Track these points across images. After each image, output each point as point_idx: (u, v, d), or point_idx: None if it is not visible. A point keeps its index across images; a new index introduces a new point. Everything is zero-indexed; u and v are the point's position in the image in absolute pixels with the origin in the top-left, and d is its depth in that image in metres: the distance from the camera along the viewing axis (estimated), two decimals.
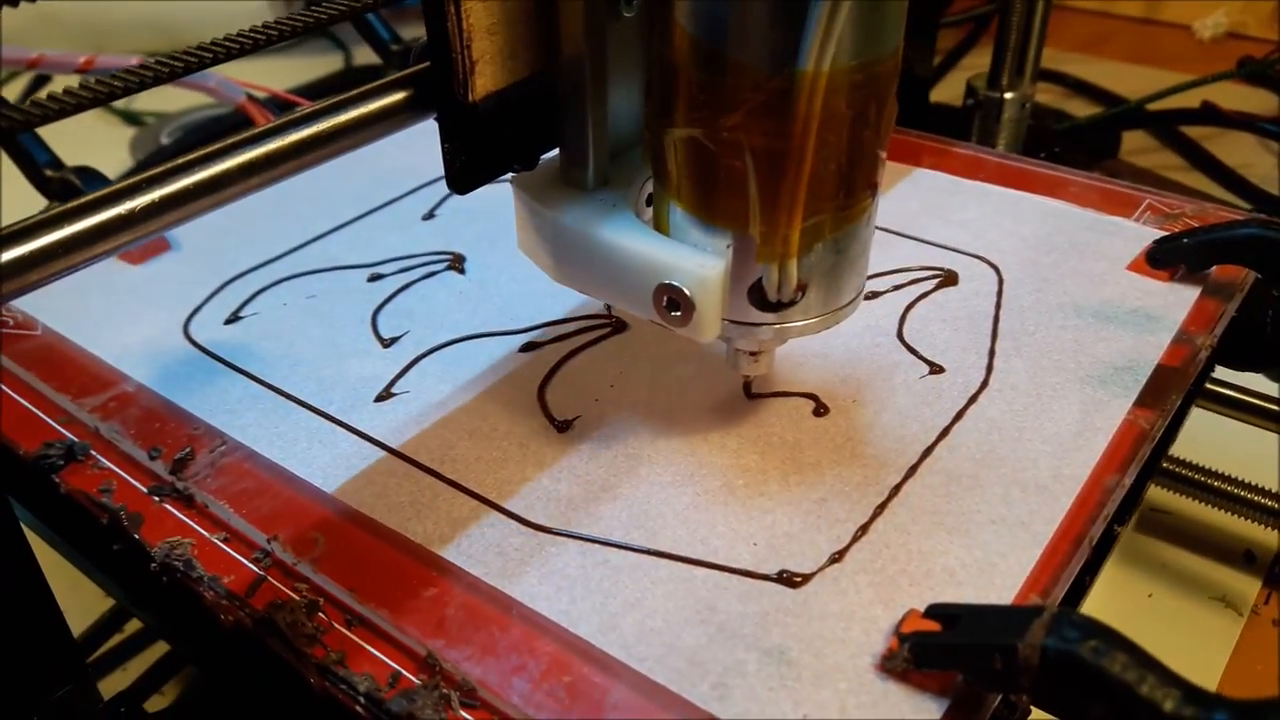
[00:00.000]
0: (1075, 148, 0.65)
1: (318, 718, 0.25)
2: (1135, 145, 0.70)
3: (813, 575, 0.26)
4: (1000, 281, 0.37)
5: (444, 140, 0.26)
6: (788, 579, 0.26)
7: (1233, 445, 0.41)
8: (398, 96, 0.26)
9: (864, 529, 0.27)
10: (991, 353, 0.33)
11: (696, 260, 0.25)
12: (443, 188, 0.44)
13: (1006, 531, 0.27)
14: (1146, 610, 0.39)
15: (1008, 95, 0.52)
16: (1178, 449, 0.39)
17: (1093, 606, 0.37)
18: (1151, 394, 0.32)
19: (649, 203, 0.28)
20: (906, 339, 0.34)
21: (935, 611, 0.24)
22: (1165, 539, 0.42)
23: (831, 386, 0.32)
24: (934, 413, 0.31)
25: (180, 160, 0.23)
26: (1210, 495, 0.39)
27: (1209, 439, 0.41)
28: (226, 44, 0.25)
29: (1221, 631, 0.38)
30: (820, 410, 0.31)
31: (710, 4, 0.23)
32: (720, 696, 0.23)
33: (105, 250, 0.23)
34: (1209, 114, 0.66)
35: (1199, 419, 0.39)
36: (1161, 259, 0.37)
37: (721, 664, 0.24)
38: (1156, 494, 0.41)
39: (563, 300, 0.36)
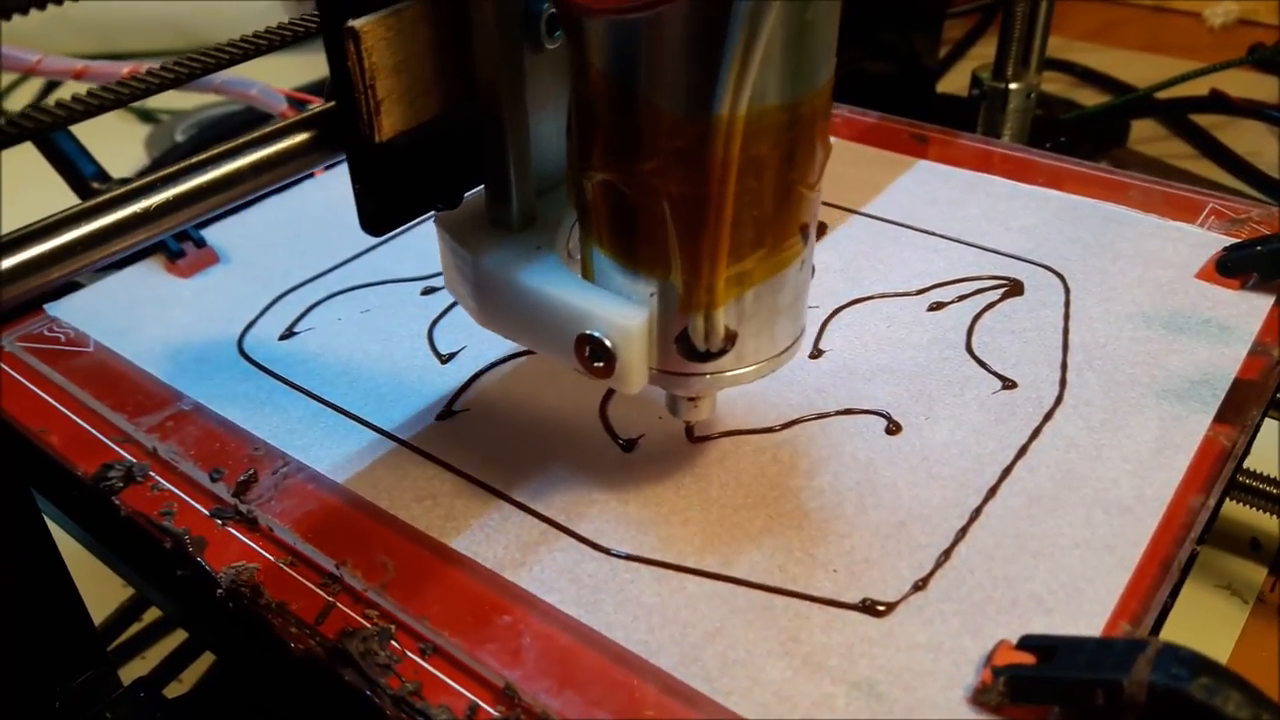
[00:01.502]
0: (1082, 137, 0.64)
1: None
2: (1144, 134, 0.69)
3: (897, 604, 0.25)
4: (1066, 290, 0.36)
5: (353, 181, 0.25)
6: (871, 608, 0.25)
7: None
8: (302, 138, 0.25)
9: (946, 554, 0.26)
10: (1064, 366, 0.33)
11: (618, 310, 0.24)
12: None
13: (1092, 555, 0.26)
14: None
15: (1013, 85, 0.52)
16: None
17: None
18: (1231, 409, 0.31)
19: (579, 245, 0.27)
20: (976, 352, 0.33)
21: (1029, 643, 0.23)
22: None
23: (902, 403, 0.31)
24: (1009, 430, 0.30)
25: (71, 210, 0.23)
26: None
27: None
28: (244, 44, 0.25)
29: (1227, 619, 0.38)
30: (892, 428, 0.30)
31: (622, 44, 0.21)
32: None
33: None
34: (1217, 102, 0.65)
35: None
36: (1233, 267, 0.36)
37: (809, 698, 0.23)
38: None
39: None
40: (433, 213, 0.27)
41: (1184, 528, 0.27)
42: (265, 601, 0.26)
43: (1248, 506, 0.39)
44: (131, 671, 0.39)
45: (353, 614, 0.26)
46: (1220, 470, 0.29)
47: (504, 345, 0.35)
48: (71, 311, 0.38)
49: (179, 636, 0.41)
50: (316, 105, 0.25)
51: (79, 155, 0.41)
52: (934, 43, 0.66)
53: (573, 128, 0.24)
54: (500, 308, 0.27)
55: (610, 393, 0.33)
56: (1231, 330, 0.34)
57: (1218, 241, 0.38)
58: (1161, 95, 0.65)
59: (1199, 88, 0.65)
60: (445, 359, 0.34)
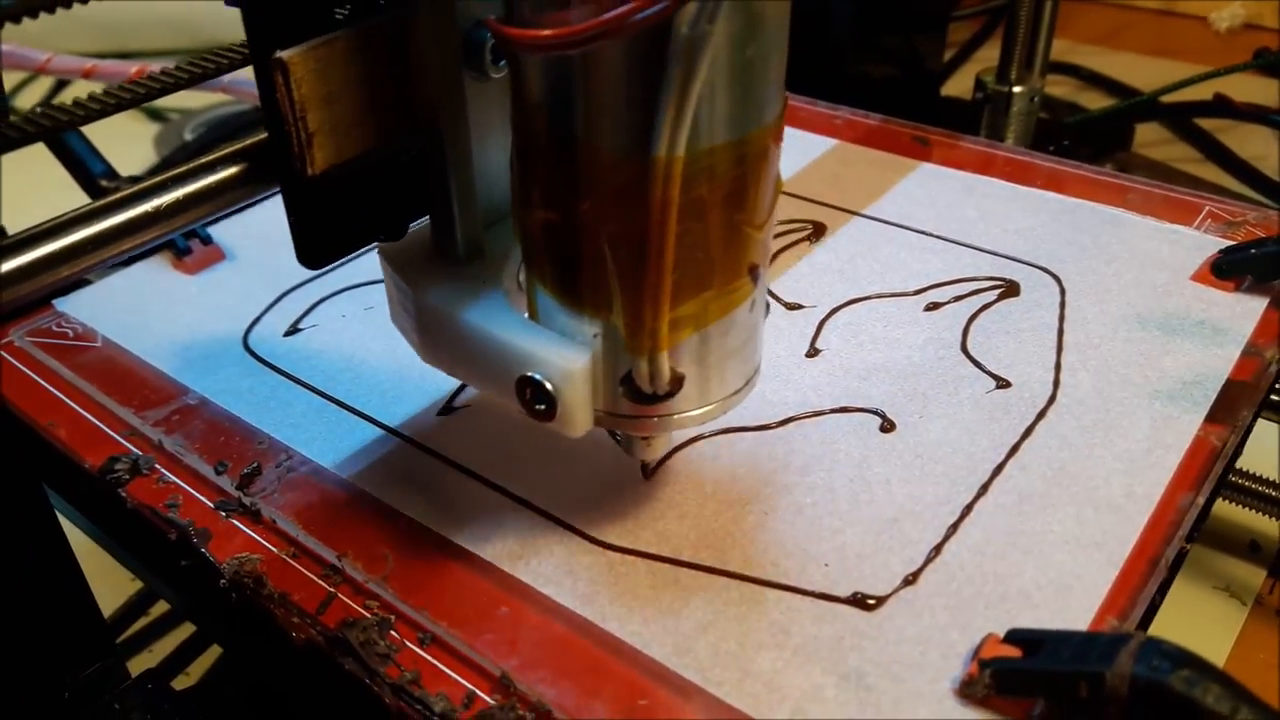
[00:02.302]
0: (1086, 140, 0.64)
1: None
2: (1148, 138, 0.69)
3: (887, 598, 0.26)
4: (1062, 292, 0.37)
5: (288, 214, 0.24)
6: (861, 601, 0.26)
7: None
8: (231, 172, 0.24)
9: (937, 550, 0.27)
10: (1058, 366, 0.33)
11: (560, 351, 0.23)
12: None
13: (1081, 552, 0.27)
14: None
15: (1016, 89, 0.52)
16: None
17: None
18: (1222, 409, 0.31)
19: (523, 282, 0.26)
20: (971, 352, 0.34)
21: (1016, 636, 0.24)
22: None
23: (897, 401, 0.32)
24: (1002, 428, 0.31)
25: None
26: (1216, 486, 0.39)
27: None
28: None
29: (1225, 620, 0.39)
30: (887, 426, 0.31)
31: (557, 80, 0.21)
32: None
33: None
34: (1221, 106, 0.65)
35: None
36: (1228, 269, 0.37)
37: (799, 689, 0.23)
38: None
39: None
40: (376, 244, 0.27)
41: (1173, 525, 0.28)
42: (268, 592, 0.27)
43: (1246, 509, 0.39)
44: (139, 664, 0.39)
45: (353, 605, 0.27)
46: (1210, 469, 0.29)
47: None
48: (79, 307, 0.38)
49: (186, 630, 0.41)
50: (250, 140, 0.25)
51: (88, 154, 0.41)
52: (938, 46, 0.67)
53: (514, 163, 0.23)
54: (442, 344, 0.26)
55: None
56: (1225, 332, 0.34)
57: (1214, 244, 0.39)
58: (1166, 99, 0.65)
59: (1204, 92, 0.65)
60: None
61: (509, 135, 0.23)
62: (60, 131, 0.24)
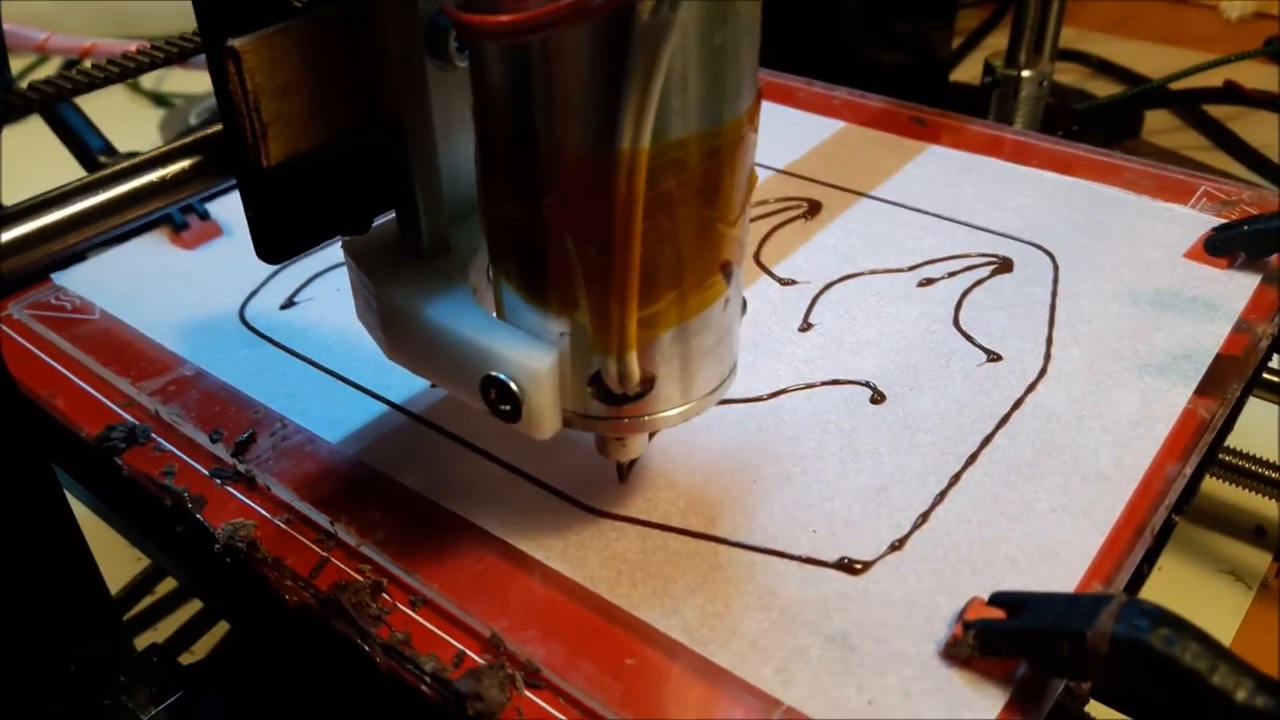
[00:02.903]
0: (1095, 127, 0.64)
1: (382, 695, 0.25)
2: (1158, 125, 0.69)
3: (873, 563, 0.26)
4: (1055, 268, 0.37)
5: (245, 207, 0.23)
6: (848, 566, 0.26)
7: (1246, 421, 0.41)
8: (183, 165, 0.24)
9: (924, 517, 0.27)
10: (1049, 340, 0.33)
11: (525, 351, 0.23)
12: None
13: (1068, 520, 0.27)
14: (1156, 582, 0.39)
15: (1025, 73, 0.52)
16: None
17: None
18: (1211, 383, 0.31)
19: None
20: (963, 326, 0.34)
21: (1000, 599, 0.24)
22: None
23: (888, 374, 0.32)
24: (992, 400, 0.31)
25: None
26: (1222, 470, 0.39)
27: None
28: None
29: (1231, 603, 0.39)
30: (877, 398, 0.31)
31: (517, 70, 0.20)
32: (784, 681, 0.23)
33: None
34: (1231, 93, 0.65)
35: None
36: (1220, 246, 0.37)
37: (784, 649, 0.24)
38: None
39: None
40: (340, 239, 0.26)
41: (1160, 495, 0.28)
42: (261, 556, 0.27)
43: (1252, 493, 0.39)
44: (145, 643, 0.39)
45: (346, 569, 0.27)
46: (1198, 441, 0.30)
47: None
48: (77, 281, 0.38)
49: (191, 610, 0.42)
50: (206, 130, 0.24)
51: (86, 129, 0.42)
52: (947, 32, 0.67)
53: (478, 159, 0.23)
54: (407, 342, 0.25)
55: None
56: (1217, 308, 0.35)
57: (1208, 223, 0.39)
58: (1175, 86, 0.65)
59: (1213, 79, 0.65)
60: None
61: (468, 124, 0.23)
62: (55, 102, 0.25)
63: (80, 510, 0.27)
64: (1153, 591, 0.38)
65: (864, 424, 0.30)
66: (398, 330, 0.25)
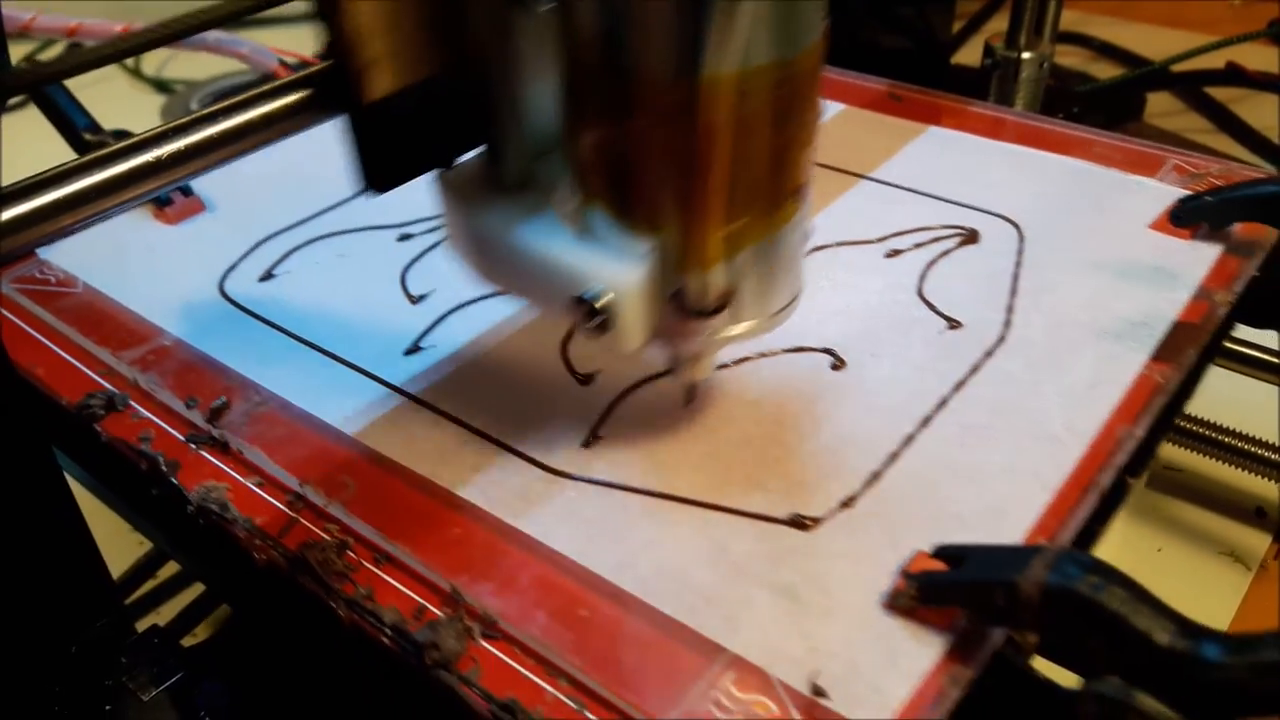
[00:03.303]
0: (1097, 109, 0.64)
1: (347, 649, 0.26)
2: (1160, 108, 0.69)
3: (823, 519, 0.26)
4: (1021, 239, 0.37)
5: (350, 140, 0.25)
6: (799, 522, 0.26)
7: (1246, 402, 0.41)
8: (297, 96, 0.25)
9: (876, 476, 0.28)
10: (1010, 308, 0.34)
11: (616, 267, 0.24)
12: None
13: (1017, 480, 0.27)
14: (1156, 563, 0.40)
15: (1025, 55, 0.52)
16: (1191, 405, 0.39)
17: (1103, 558, 0.38)
18: (1168, 349, 0.32)
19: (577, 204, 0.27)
20: (926, 295, 0.35)
21: (942, 552, 0.25)
22: (1177, 495, 0.43)
23: (850, 341, 0.33)
24: (950, 366, 0.31)
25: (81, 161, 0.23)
26: (1222, 452, 0.40)
27: (1222, 396, 0.41)
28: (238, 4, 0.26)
29: (1230, 584, 0.39)
30: (837, 364, 0.32)
31: (609, 3, 0.22)
32: (730, 629, 0.24)
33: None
34: (1233, 75, 0.65)
35: (1213, 375, 0.39)
36: (1184, 217, 0.37)
37: (732, 599, 0.24)
38: (1169, 451, 0.42)
39: None
40: (435, 171, 0.28)
41: (1109, 456, 0.28)
42: (232, 517, 0.28)
43: (1253, 474, 0.39)
44: (146, 626, 0.40)
45: (314, 528, 0.28)
46: (1150, 404, 0.30)
47: (474, 287, 0.36)
48: (61, 255, 0.39)
49: (193, 593, 0.42)
50: (314, 64, 0.26)
51: (71, 107, 0.42)
52: (948, 15, 0.67)
53: (566, 88, 0.24)
54: (500, 266, 0.27)
55: (573, 331, 0.34)
56: (1178, 277, 0.35)
57: (1175, 195, 0.39)
58: (1177, 68, 0.65)
59: (1216, 61, 0.65)
60: (416, 300, 0.36)
61: (553, 68, 0.25)
62: (46, 83, 0.25)
63: (80, 493, 0.28)
64: (1152, 573, 0.38)
65: (823, 389, 0.31)
66: (491, 255, 0.27)
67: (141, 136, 0.24)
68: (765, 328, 0.26)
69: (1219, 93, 0.68)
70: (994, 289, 0.35)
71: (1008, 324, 0.33)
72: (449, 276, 0.37)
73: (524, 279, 0.27)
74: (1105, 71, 0.75)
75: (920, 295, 0.35)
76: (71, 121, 0.43)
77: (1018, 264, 0.36)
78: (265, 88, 0.25)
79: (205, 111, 0.24)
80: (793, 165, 0.24)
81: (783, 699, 0.22)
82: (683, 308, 0.25)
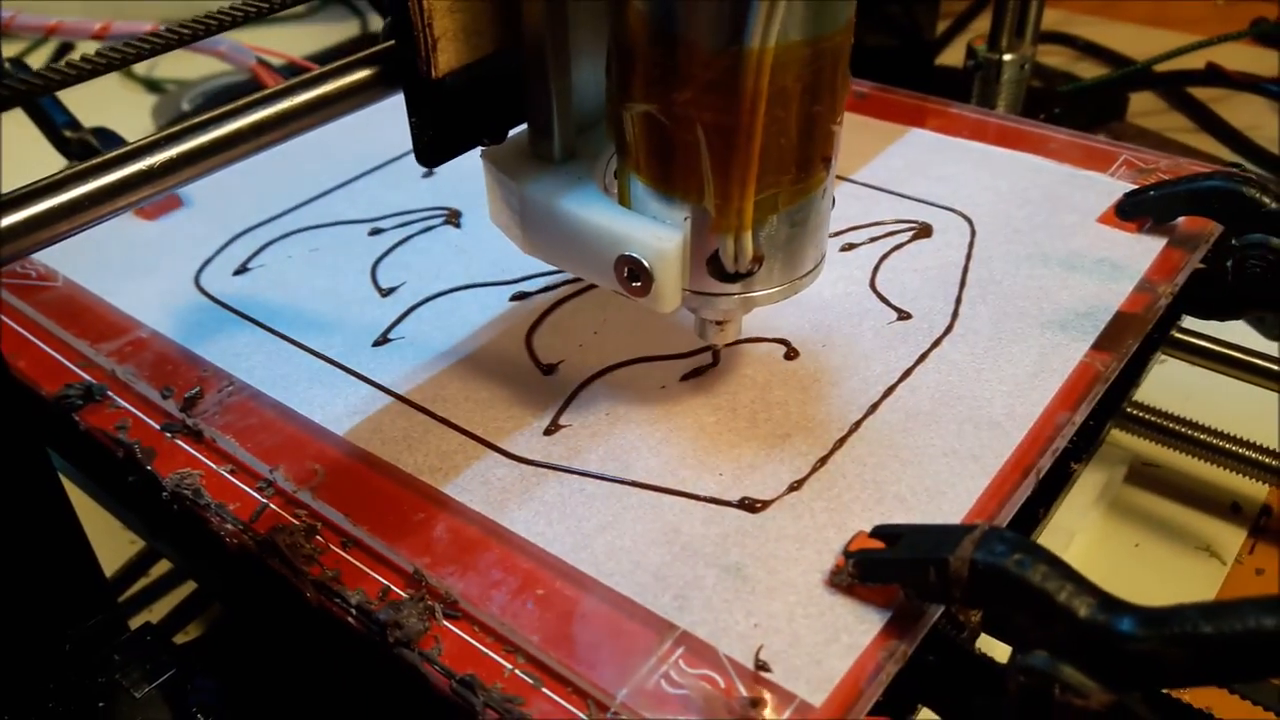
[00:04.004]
0: (1080, 109, 0.65)
1: (314, 630, 0.27)
2: (1143, 107, 0.69)
3: (772, 502, 0.28)
4: (973, 233, 0.39)
5: (410, 115, 0.27)
6: (749, 505, 0.28)
7: (1221, 399, 0.42)
8: (365, 73, 0.27)
9: (823, 460, 0.29)
10: (958, 300, 0.35)
11: (655, 232, 0.26)
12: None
13: (958, 463, 0.29)
14: (1133, 559, 0.41)
15: (1007, 57, 0.53)
16: (1167, 403, 0.41)
17: (1079, 554, 0.39)
18: (1109, 338, 0.33)
19: (615, 175, 0.29)
20: (878, 288, 0.36)
21: (880, 531, 0.26)
22: (1154, 491, 0.44)
23: (803, 332, 0.34)
24: (898, 355, 0.33)
25: (159, 135, 0.25)
26: (1199, 449, 0.40)
27: (1198, 393, 0.43)
28: (237, 10, 0.27)
29: (1206, 579, 0.40)
30: (790, 354, 0.33)
31: None
32: (679, 607, 0.25)
33: (112, 208, 0.25)
34: (1213, 75, 0.66)
35: (1189, 374, 0.41)
36: (1130, 211, 0.39)
37: (682, 579, 0.26)
38: (1146, 447, 0.43)
39: None
40: (479, 148, 0.29)
41: (1049, 441, 0.30)
42: (205, 503, 0.29)
43: (1229, 471, 0.40)
44: (139, 624, 0.40)
45: (284, 514, 0.29)
46: (1090, 392, 0.31)
47: (443, 281, 0.37)
48: (42, 250, 0.40)
49: (185, 591, 0.43)
50: (380, 46, 0.27)
51: (50, 104, 0.43)
52: (932, 16, 0.67)
53: (613, 64, 0.26)
54: (543, 234, 0.29)
55: (537, 323, 0.35)
56: (1123, 268, 0.36)
57: (1124, 189, 0.40)
58: (1159, 68, 0.65)
59: (1199, 61, 0.65)
60: (386, 293, 0.37)
61: (597, 53, 0.27)
62: (39, 96, 0.26)
63: (73, 492, 0.29)
64: (1129, 569, 0.40)
65: (776, 378, 0.32)
66: (535, 224, 0.29)
67: (208, 115, 0.25)
68: (792, 291, 0.28)
69: (1201, 92, 0.68)
70: (944, 281, 0.36)
71: (955, 315, 0.34)
72: (418, 270, 0.38)
73: (566, 247, 0.28)
74: (1089, 71, 0.75)
75: (872, 287, 0.36)
76: (51, 119, 0.44)
77: (968, 257, 0.37)
78: (331, 66, 0.27)
79: (279, 88, 0.26)
80: (823, 136, 0.26)
81: (729, 673, 0.24)
82: (717, 271, 0.27)
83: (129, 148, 0.25)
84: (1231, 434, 0.40)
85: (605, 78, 0.27)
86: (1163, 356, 0.40)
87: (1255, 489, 0.42)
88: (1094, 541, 0.41)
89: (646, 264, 0.26)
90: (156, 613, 0.42)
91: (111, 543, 0.42)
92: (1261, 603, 0.20)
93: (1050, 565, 0.23)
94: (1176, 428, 0.41)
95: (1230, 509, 0.43)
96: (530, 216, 0.29)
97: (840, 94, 0.26)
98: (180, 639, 0.41)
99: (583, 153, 0.29)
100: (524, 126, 0.29)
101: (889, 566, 0.25)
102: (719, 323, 0.30)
